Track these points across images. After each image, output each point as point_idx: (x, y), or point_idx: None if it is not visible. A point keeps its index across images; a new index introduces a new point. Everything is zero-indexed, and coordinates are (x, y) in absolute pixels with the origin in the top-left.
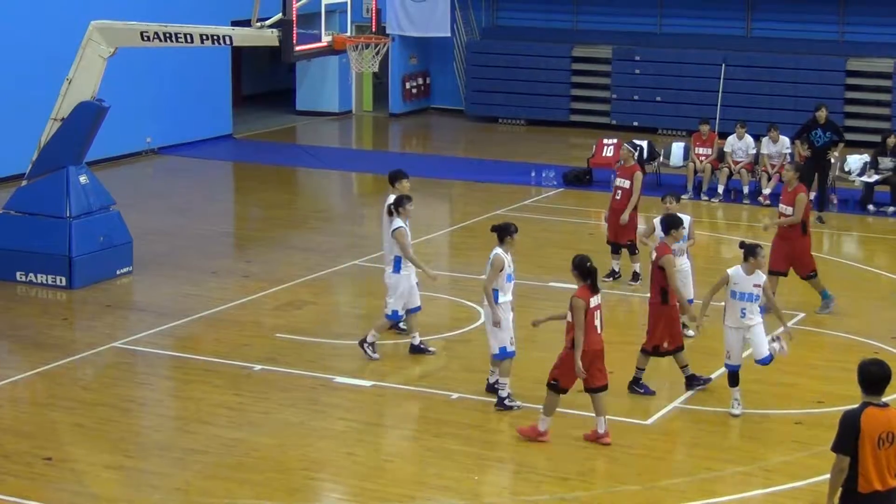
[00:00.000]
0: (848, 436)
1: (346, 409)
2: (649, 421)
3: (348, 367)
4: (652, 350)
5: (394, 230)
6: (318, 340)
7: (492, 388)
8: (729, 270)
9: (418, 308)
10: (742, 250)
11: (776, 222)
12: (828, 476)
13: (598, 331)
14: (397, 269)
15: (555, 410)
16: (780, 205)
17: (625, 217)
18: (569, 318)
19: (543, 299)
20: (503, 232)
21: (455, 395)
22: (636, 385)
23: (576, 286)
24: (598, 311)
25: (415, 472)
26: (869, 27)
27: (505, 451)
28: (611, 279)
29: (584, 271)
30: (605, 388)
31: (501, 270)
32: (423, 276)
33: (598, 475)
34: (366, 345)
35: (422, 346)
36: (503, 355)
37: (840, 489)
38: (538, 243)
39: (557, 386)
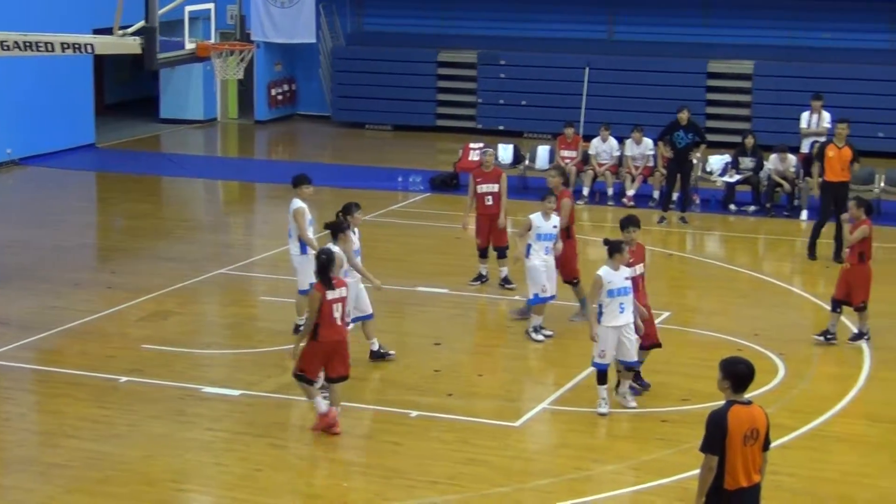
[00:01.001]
0: (716, 435)
1: (215, 419)
2: (518, 423)
3: (216, 377)
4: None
5: (294, 209)
6: (186, 351)
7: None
8: (599, 272)
9: (370, 316)
10: (606, 247)
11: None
12: (694, 472)
13: (338, 322)
14: (304, 250)
15: (317, 393)
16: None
17: (502, 220)
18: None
19: (412, 304)
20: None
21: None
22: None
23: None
24: (340, 303)
25: (285, 480)
26: (729, 29)
27: (375, 457)
28: (479, 283)
29: (319, 266)
30: (345, 378)
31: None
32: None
33: (468, 478)
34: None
35: (381, 350)
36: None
37: None
38: (406, 249)
39: (304, 377)
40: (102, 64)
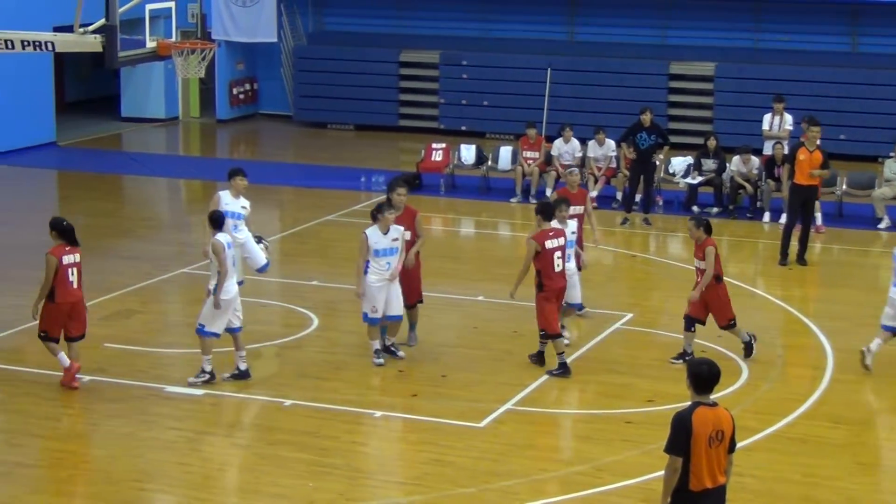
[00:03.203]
0: (680, 437)
1: (178, 418)
2: (482, 423)
3: (179, 376)
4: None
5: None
6: (148, 350)
7: None
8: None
9: (398, 317)
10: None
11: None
12: (659, 474)
13: (74, 286)
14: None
15: (59, 350)
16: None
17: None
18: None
19: None
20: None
21: (288, 402)
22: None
23: None
24: (74, 267)
25: (248, 480)
26: (690, 31)
27: (339, 458)
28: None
29: (60, 230)
30: (81, 336)
31: None
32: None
33: (433, 479)
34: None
35: (392, 347)
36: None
37: None
38: None
39: (48, 336)
40: (63, 61)
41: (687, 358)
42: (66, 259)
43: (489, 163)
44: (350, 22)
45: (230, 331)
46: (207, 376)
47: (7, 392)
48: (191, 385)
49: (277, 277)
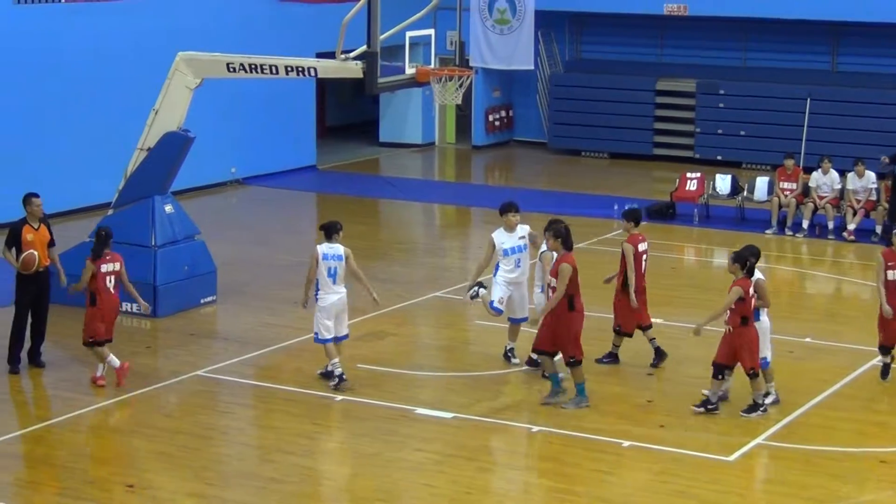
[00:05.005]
0: None
1: (425, 440)
2: (731, 458)
3: (429, 399)
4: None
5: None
6: (399, 371)
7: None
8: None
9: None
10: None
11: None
12: None
13: (112, 291)
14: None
15: (108, 353)
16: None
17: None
18: None
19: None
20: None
21: (536, 428)
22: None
23: None
24: (112, 275)
25: None
26: None
27: (583, 485)
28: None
29: (98, 241)
30: (108, 341)
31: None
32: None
33: None
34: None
35: (510, 354)
36: None
37: None
38: None
39: (94, 341)
40: (325, 87)
41: (709, 407)
42: (105, 268)
43: (744, 193)
44: (607, 50)
45: (336, 339)
46: (337, 380)
47: (262, 409)
48: (334, 387)
49: None
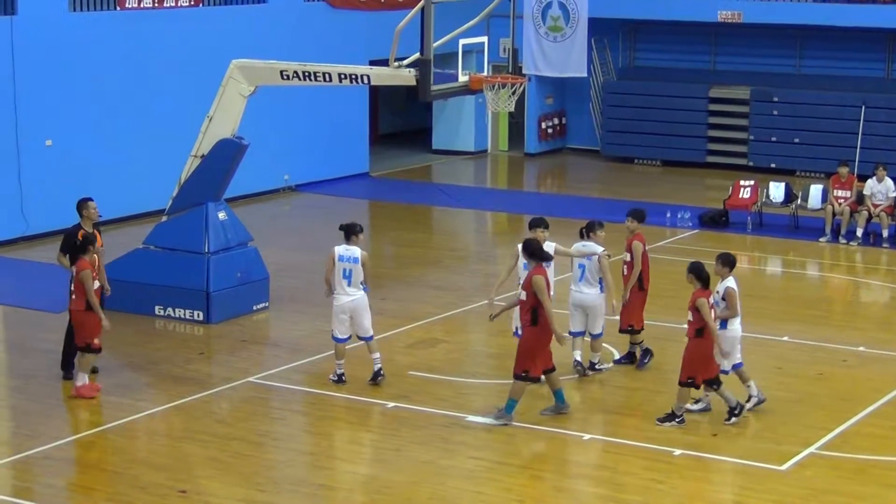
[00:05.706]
0: None
1: (477, 447)
2: (784, 467)
3: (480, 406)
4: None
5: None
6: (451, 379)
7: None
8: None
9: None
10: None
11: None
12: None
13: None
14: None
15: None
16: None
17: None
18: None
19: (678, 341)
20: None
21: (587, 437)
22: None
23: None
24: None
25: None
26: None
27: (636, 494)
28: None
29: (82, 244)
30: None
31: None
32: None
33: None
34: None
35: (594, 363)
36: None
37: None
38: (676, 285)
39: (89, 347)
40: (378, 94)
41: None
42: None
43: (798, 201)
44: (660, 58)
45: (362, 339)
46: (336, 378)
47: (314, 415)
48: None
49: None
